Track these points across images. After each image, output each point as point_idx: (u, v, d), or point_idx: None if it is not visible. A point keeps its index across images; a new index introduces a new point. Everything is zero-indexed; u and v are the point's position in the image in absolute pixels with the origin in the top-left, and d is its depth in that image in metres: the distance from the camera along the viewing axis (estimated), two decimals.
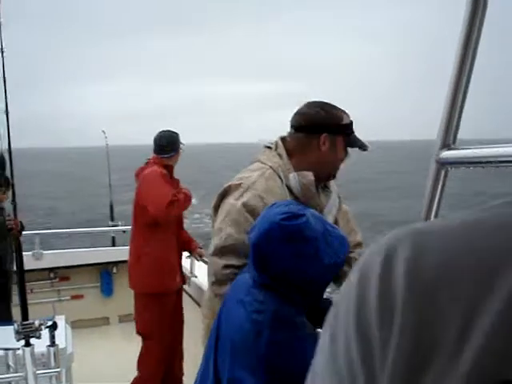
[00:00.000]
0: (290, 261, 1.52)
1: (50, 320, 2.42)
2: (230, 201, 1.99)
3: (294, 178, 2.00)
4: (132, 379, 3.97)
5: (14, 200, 3.12)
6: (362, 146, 2.09)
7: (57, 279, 5.27)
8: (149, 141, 4.07)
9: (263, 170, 2.04)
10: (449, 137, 1.12)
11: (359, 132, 2.09)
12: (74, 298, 5.39)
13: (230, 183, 2.05)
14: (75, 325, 4.51)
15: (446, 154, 1.12)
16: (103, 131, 7.25)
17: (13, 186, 3.06)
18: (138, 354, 3.98)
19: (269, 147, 2.13)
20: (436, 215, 1.16)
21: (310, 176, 2.00)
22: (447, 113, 1.10)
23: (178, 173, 4.12)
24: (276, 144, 2.11)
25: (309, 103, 2.06)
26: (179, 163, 4.07)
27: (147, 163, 3.99)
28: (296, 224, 1.51)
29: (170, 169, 3.96)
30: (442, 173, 1.14)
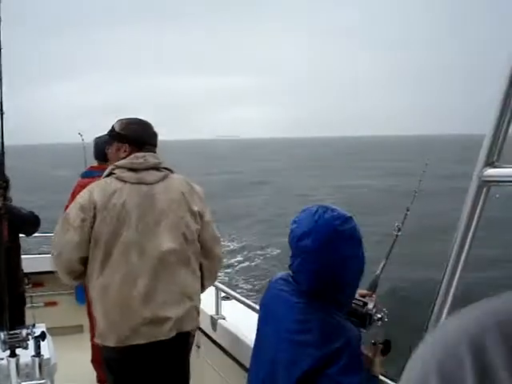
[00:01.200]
0: (346, 263, 1.60)
1: (35, 329, 2.30)
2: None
3: None
4: None
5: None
6: None
7: (30, 285, 5.10)
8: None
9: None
10: (493, 154, 1.07)
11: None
12: (48, 304, 5.22)
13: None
14: (50, 332, 4.34)
15: (490, 171, 1.07)
16: (79, 133, 6.95)
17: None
18: None
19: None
20: (473, 236, 1.11)
21: None
22: (493, 128, 1.06)
23: None
24: None
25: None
26: None
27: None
28: (353, 227, 1.62)
29: None
30: (484, 191, 1.10)
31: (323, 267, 1.59)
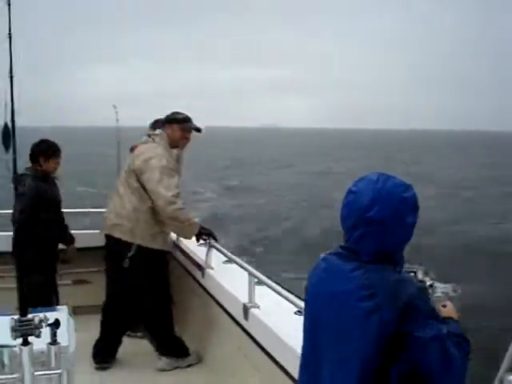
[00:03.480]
0: (408, 230, 1.59)
1: (52, 311, 2.14)
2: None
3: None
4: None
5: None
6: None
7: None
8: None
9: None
10: None
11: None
12: (77, 283, 5.08)
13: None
14: (77, 311, 4.23)
15: None
16: (115, 109, 6.76)
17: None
18: None
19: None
20: None
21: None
22: None
23: None
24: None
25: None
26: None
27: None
28: (414, 194, 1.61)
29: None
30: None
31: (389, 237, 1.56)
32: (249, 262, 3.87)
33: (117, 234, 3.97)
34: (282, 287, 3.11)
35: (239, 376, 3.50)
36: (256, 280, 3.28)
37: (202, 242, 4.30)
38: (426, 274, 1.77)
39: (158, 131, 4.13)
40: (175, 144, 4.15)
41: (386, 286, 1.50)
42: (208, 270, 4.13)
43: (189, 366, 4.09)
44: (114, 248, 4.05)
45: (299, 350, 2.58)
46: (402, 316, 1.46)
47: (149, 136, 4.14)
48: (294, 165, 44.78)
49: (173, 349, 4.09)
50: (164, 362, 4.06)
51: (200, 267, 4.23)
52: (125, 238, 3.94)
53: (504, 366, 0.99)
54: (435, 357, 1.45)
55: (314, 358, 1.67)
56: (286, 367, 2.71)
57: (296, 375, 2.61)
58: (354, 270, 1.56)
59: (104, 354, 4.10)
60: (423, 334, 1.44)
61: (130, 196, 3.95)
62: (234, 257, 3.96)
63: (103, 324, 4.16)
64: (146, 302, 4.06)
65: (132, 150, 4.42)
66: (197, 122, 4.26)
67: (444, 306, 1.74)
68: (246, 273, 3.35)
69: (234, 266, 3.88)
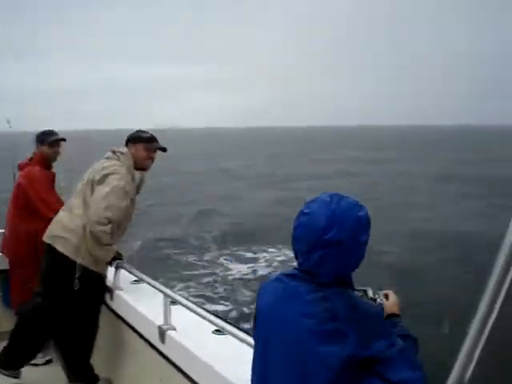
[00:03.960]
0: (364, 249, 1.60)
1: None
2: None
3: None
4: None
5: None
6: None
7: None
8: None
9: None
10: None
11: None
12: None
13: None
14: None
15: None
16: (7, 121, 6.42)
17: None
18: None
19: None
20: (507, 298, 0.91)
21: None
22: None
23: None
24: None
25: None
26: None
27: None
28: (367, 212, 1.61)
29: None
30: None
31: (347, 257, 1.57)
32: (160, 281, 3.78)
33: (59, 248, 3.74)
34: (199, 306, 3.07)
35: None
36: (170, 300, 3.20)
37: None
38: (375, 292, 1.79)
39: (122, 149, 3.97)
40: (140, 164, 3.98)
41: (347, 308, 1.50)
42: (117, 292, 3.99)
43: None
44: (55, 261, 3.80)
45: (221, 371, 2.56)
46: (366, 338, 1.46)
47: (113, 153, 3.95)
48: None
49: (83, 376, 3.91)
50: None
51: (108, 289, 4.07)
52: (67, 253, 3.72)
53: (453, 377, 1.01)
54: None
55: (271, 380, 1.62)
56: None
57: None
58: (313, 292, 1.55)
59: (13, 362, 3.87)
60: (395, 350, 1.47)
61: (82, 209, 3.77)
62: (144, 276, 3.86)
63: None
64: (77, 327, 3.86)
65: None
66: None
67: (386, 297, 1.77)
68: (158, 292, 3.27)
69: (145, 285, 3.78)
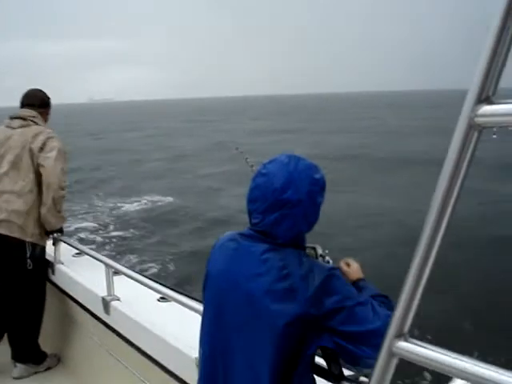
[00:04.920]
0: (319, 211, 1.61)
1: None
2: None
3: None
4: None
5: None
6: None
7: None
8: None
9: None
10: (488, 86, 0.84)
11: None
12: None
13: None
14: None
15: (484, 109, 0.85)
16: None
17: None
18: None
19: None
20: (462, 184, 0.89)
21: None
22: (489, 54, 0.83)
23: None
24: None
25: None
26: None
27: None
28: (323, 175, 1.63)
29: None
30: (475, 135, 0.87)
31: (304, 218, 1.57)
32: (102, 253, 3.70)
33: (5, 231, 3.56)
34: (142, 275, 3.01)
35: (105, 373, 3.35)
36: (113, 270, 3.13)
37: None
38: (324, 249, 1.80)
39: (28, 113, 3.79)
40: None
41: (301, 267, 1.49)
42: (58, 266, 3.87)
43: (48, 369, 3.85)
44: (4, 245, 3.62)
45: (167, 339, 2.53)
46: (318, 296, 1.45)
47: (24, 119, 3.76)
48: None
49: (31, 354, 3.80)
50: (21, 368, 3.76)
51: (49, 263, 3.95)
52: (14, 234, 3.56)
53: (391, 331, 1.00)
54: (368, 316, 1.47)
55: (221, 345, 1.59)
56: (154, 357, 2.64)
57: (167, 364, 2.56)
58: (267, 252, 1.53)
59: None
60: (351, 303, 1.47)
61: (20, 187, 3.59)
62: (85, 248, 3.76)
63: None
64: (26, 307, 3.74)
65: None
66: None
67: (348, 265, 1.75)
68: (100, 264, 3.19)
69: (86, 258, 3.69)
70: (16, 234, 3.56)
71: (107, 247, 11.90)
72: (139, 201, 17.20)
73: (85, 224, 14.12)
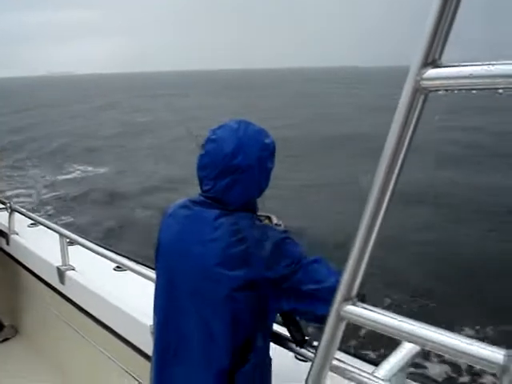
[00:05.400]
0: (269, 175, 1.61)
1: None
2: None
3: None
4: None
5: None
6: None
7: None
8: None
9: None
10: (434, 49, 0.83)
11: None
12: None
13: None
14: None
15: (431, 73, 0.84)
16: None
17: None
18: None
19: None
20: (408, 146, 0.89)
21: None
22: (436, 15, 0.82)
23: None
24: None
25: None
26: None
27: None
28: (273, 140, 1.62)
29: None
30: (421, 99, 0.87)
31: (254, 183, 1.57)
32: (57, 223, 3.63)
33: None
34: (97, 244, 2.96)
35: (62, 343, 3.32)
36: (68, 240, 3.08)
37: (1, 206, 3.93)
38: (278, 218, 1.80)
39: None
40: None
41: (254, 231, 1.49)
42: (13, 236, 3.78)
43: (5, 340, 3.80)
44: None
45: (123, 307, 2.51)
46: (273, 259, 1.45)
47: None
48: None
49: None
50: None
51: (3, 234, 3.86)
52: None
53: (339, 295, 1.00)
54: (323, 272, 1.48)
55: (174, 312, 1.58)
56: (111, 326, 2.62)
57: (123, 333, 2.55)
58: (220, 217, 1.52)
59: None
60: (306, 262, 1.47)
61: None
62: (40, 219, 3.68)
63: None
64: None
65: None
66: None
67: None
68: (55, 234, 3.13)
69: (41, 228, 3.61)
70: None
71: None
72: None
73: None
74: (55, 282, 3.13)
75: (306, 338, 1.63)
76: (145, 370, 1.93)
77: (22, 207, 3.86)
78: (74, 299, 2.98)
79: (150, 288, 1.97)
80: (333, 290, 1.40)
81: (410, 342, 0.99)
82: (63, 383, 3.10)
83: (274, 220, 1.76)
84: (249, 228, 1.49)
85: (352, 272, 0.98)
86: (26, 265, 3.61)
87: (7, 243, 3.82)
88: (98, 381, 2.90)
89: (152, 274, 2.26)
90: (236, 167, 1.53)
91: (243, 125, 1.59)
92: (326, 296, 1.42)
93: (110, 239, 9.89)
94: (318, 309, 1.44)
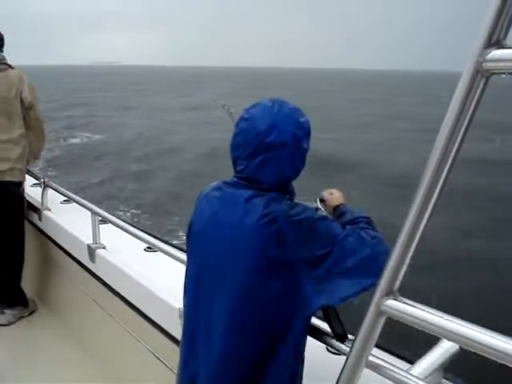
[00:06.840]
0: (305, 156, 1.56)
1: None
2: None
3: None
4: None
5: None
6: None
7: None
8: None
9: None
10: (499, 29, 0.77)
11: None
12: None
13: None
14: None
15: (494, 54, 0.78)
16: None
17: None
18: None
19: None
20: (466, 131, 0.83)
21: None
22: None
23: None
24: None
25: None
26: None
27: None
28: (308, 119, 1.57)
29: None
30: (482, 81, 0.81)
31: (289, 163, 1.52)
32: (91, 200, 3.63)
33: (8, 178, 3.68)
34: (129, 224, 2.96)
35: (89, 319, 3.34)
36: (100, 219, 3.08)
37: (35, 181, 3.97)
38: (321, 201, 1.79)
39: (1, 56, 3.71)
40: None
41: (287, 211, 1.44)
42: (45, 212, 3.82)
43: (32, 312, 3.86)
44: (7, 193, 3.72)
45: (152, 289, 2.50)
46: (306, 239, 1.41)
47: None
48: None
49: (17, 298, 3.80)
50: (9, 314, 3.76)
51: (36, 209, 3.90)
52: (16, 179, 3.72)
53: (380, 289, 0.96)
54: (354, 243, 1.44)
55: (204, 296, 1.55)
56: (138, 307, 2.62)
57: (150, 314, 2.54)
58: (253, 198, 1.48)
59: None
60: (340, 238, 1.43)
61: (14, 130, 3.69)
62: (73, 195, 3.70)
63: None
64: (8, 250, 3.78)
65: None
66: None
67: (330, 194, 1.77)
68: (88, 212, 3.14)
69: (74, 205, 3.63)
70: (18, 177, 3.71)
71: None
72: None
73: None
74: (85, 260, 3.14)
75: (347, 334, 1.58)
76: (172, 353, 1.91)
77: None
78: (104, 278, 2.99)
79: (180, 270, 1.94)
80: (370, 260, 1.40)
81: (453, 341, 0.94)
82: (88, 359, 3.13)
83: (315, 204, 1.75)
84: (280, 208, 1.44)
85: (395, 266, 0.93)
86: (57, 241, 3.65)
87: (39, 219, 3.86)
88: (123, 361, 2.92)
89: (183, 256, 2.23)
90: (270, 145, 1.48)
91: (277, 103, 1.55)
92: (365, 267, 1.41)
93: None
94: (360, 282, 1.40)
